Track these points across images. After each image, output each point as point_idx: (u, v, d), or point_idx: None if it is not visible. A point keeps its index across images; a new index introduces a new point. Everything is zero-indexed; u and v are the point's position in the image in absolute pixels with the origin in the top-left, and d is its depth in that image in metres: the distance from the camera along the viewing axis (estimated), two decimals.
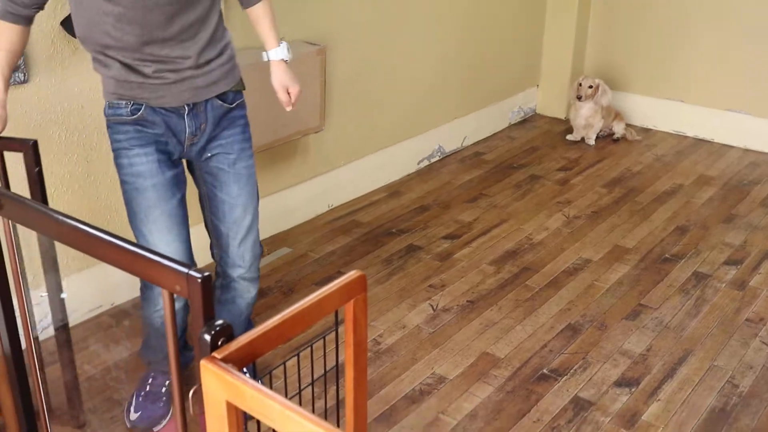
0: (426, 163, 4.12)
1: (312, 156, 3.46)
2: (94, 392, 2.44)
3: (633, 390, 2.52)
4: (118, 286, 2.83)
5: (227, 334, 1.35)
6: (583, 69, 4.78)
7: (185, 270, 1.33)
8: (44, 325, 2.66)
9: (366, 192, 3.80)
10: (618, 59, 4.68)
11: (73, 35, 2.40)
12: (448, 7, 3.92)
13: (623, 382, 2.55)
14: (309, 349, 1.57)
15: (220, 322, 1.35)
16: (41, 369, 2.10)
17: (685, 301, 2.99)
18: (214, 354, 1.32)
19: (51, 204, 2.52)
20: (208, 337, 1.32)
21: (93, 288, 2.75)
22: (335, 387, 1.64)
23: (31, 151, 1.95)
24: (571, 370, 2.61)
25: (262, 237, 3.33)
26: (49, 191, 2.54)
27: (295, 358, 1.57)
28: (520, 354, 2.69)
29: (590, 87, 4.35)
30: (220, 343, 1.34)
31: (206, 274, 1.33)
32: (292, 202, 3.43)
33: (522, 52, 4.60)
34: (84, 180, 2.63)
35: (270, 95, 2.99)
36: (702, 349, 2.71)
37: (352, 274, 1.58)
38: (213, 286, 2.20)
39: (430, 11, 3.82)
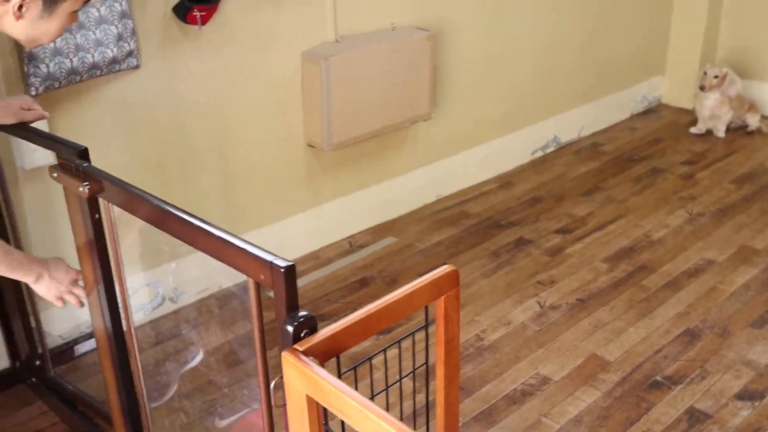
0: (540, 153, 3.98)
1: (420, 144, 3.39)
2: (195, 376, 2.48)
3: (756, 404, 2.32)
4: (224, 269, 2.85)
5: (311, 326, 1.31)
6: (715, 56, 4.47)
7: (269, 258, 1.30)
8: (154, 305, 2.72)
9: (476, 182, 3.70)
10: (754, 45, 4.35)
11: (184, 21, 2.43)
12: None
13: (745, 395, 2.36)
14: (397, 346, 1.50)
15: (303, 313, 1.31)
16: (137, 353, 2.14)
17: None
18: (296, 346, 1.28)
19: (152, 189, 2.58)
20: (290, 329, 1.29)
21: (199, 272, 2.79)
22: (425, 386, 1.57)
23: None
24: (688, 379, 2.43)
25: (368, 225, 3.31)
26: (155, 172, 2.59)
27: (382, 354, 1.51)
28: (631, 358, 2.53)
29: (716, 77, 4.06)
30: (302, 334, 1.30)
31: (290, 263, 1.29)
32: (399, 192, 3.37)
33: (646, 38, 4.35)
34: (189, 165, 2.67)
35: (375, 82, 2.95)
36: None
37: (444, 269, 1.51)
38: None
39: None
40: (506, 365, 2.52)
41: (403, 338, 1.51)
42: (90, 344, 2.57)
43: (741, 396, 2.36)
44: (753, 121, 4.20)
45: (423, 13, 3.18)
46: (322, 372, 1.23)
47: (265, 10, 2.68)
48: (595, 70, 4.10)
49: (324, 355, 1.31)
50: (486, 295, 2.87)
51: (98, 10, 2.21)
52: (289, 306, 1.30)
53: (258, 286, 1.37)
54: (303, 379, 1.24)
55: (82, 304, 1.90)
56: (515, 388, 2.42)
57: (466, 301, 2.84)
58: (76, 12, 1.61)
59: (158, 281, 2.70)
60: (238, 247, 1.33)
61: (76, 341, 2.57)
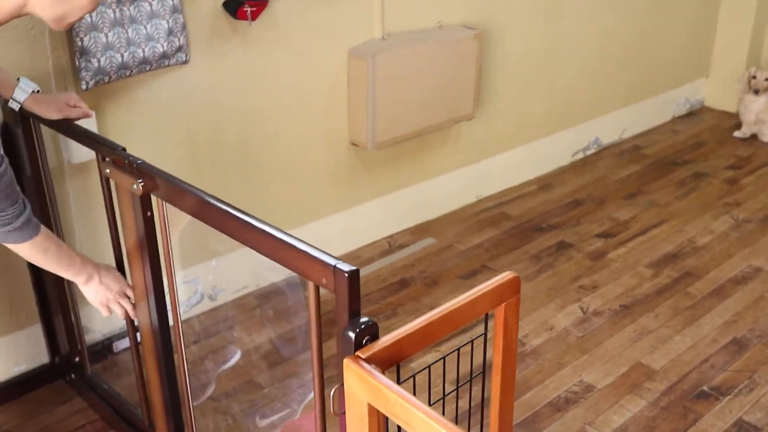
0: (581, 155, 3.92)
1: (462, 144, 3.36)
2: (234, 375, 2.47)
3: None
4: (262, 268, 2.85)
5: (372, 332, 1.29)
6: (761, 58, 4.39)
7: (333, 262, 1.28)
8: (193, 303, 2.72)
9: (516, 184, 3.66)
10: None
11: (234, 16, 2.41)
12: None
13: None
14: (456, 353, 1.47)
15: (365, 319, 1.29)
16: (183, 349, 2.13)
17: None
18: (358, 353, 1.26)
19: (197, 184, 2.57)
20: (352, 335, 1.26)
21: (239, 270, 2.78)
22: (481, 390, 1.54)
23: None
24: (736, 390, 2.38)
25: (407, 225, 3.28)
26: (204, 170, 2.58)
27: (441, 360, 1.48)
28: (677, 367, 2.49)
29: (766, 80, 3.98)
30: (364, 341, 1.28)
31: (354, 268, 1.27)
32: (438, 192, 3.34)
33: (691, 39, 4.28)
34: (237, 161, 2.66)
35: (420, 80, 2.92)
36: None
37: (505, 276, 1.48)
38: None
39: None
40: (549, 371, 2.48)
41: (462, 345, 1.48)
42: (127, 342, 2.57)
43: None
44: None
45: (470, 12, 3.14)
46: (386, 380, 1.21)
47: (314, 7, 2.66)
48: (639, 71, 4.03)
49: (385, 362, 1.28)
50: (528, 299, 2.84)
51: (150, 4, 2.21)
52: (351, 312, 1.28)
53: (318, 290, 1.35)
54: (365, 387, 1.22)
55: (128, 317, 1.88)
56: (559, 395, 2.38)
57: None
58: None
59: (197, 279, 2.69)
60: (300, 250, 1.31)
61: (115, 338, 2.57)
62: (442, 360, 1.47)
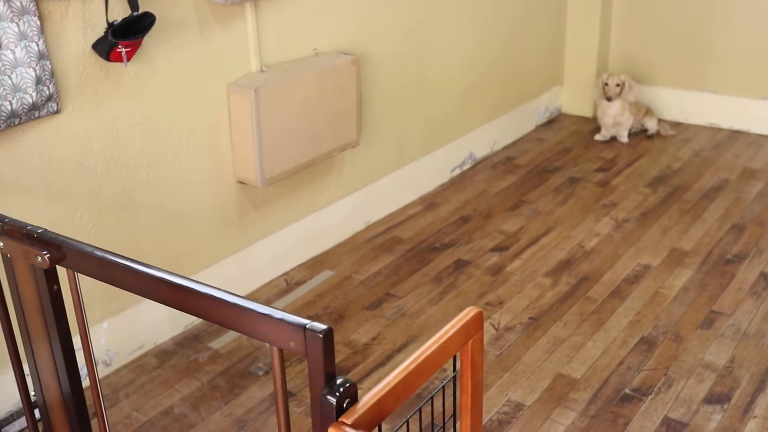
0: (458, 171, 3.95)
1: (347, 172, 3.28)
2: None
3: (725, 407, 2.35)
4: (159, 325, 2.64)
5: (352, 393, 1.18)
6: (608, 63, 4.62)
7: (303, 323, 1.15)
8: (86, 372, 2.46)
9: (401, 206, 3.62)
10: (644, 51, 4.52)
11: (106, 58, 2.22)
12: (472, 10, 3.75)
13: (713, 399, 2.38)
14: (429, 402, 1.38)
15: (341, 380, 1.17)
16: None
17: (759, 304, 2.83)
18: (343, 419, 1.14)
19: (91, 240, 2.34)
20: (333, 400, 1.15)
21: (133, 328, 2.56)
22: None
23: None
24: (655, 389, 2.44)
25: (302, 260, 3.16)
26: (86, 227, 2.35)
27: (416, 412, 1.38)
28: (597, 373, 2.51)
29: (617, 85, 4.18)
30: (345, 405, 1.17)
31: (327, 327, 1.15)
32: (329, 222, 3.24)
33: (545, 51, 4.44)
34: (121, 213, 2.44)
35: (304, 110, 2.82)
36: None
37: (469, 312, 1.41)
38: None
39: (454, 16, 3.65)
40: None
41: (434, 393, 1.39)
42: (21, 423, 2.29)
43: (709, 400, 2.38)
44: (651, 124, 4.35)
45: (344, 38, 3.08)
46: None
47: (189, 43, 2.50)
48: (502, 85, 4.12)
49: (370, 424, 1.17)
50: (438, 323, 2.79)
51: (12, 51, 1.98)
52: (327, 374, 1.16)
53: (282, 355, 1.22)
54: None
55: (22, 396, 1.66)
56: (491, 418, 2.34)
57: (418, 331, 2.75)
58: None
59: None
60: (264, 314, 1.18)
61: (4, 422, 2.28)
62: (417, 412, 1.37)
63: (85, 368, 1.65)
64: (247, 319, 1.20)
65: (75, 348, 1.62)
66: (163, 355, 2.62)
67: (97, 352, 2.48)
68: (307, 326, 1.16)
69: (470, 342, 1.39)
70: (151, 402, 2.40)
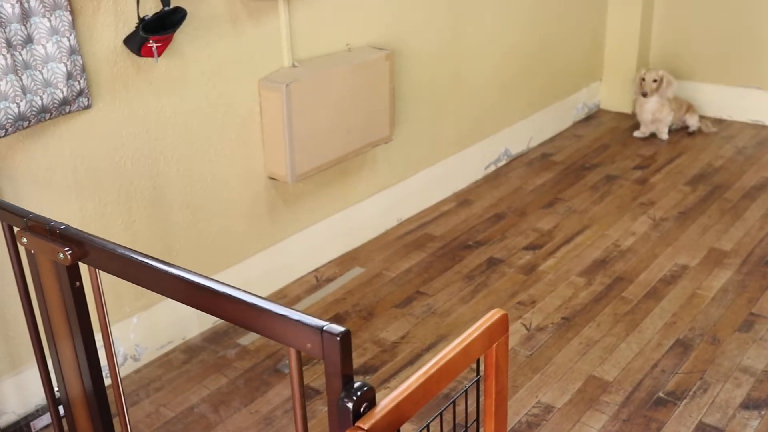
0: (493, 168, 3.90)
1: (380, 168, 3.25)
2: None
3: (763, 413, 2.28)
4: (188, 320, 2.64)
5: (369, 397, 1.15)
6: (649, 58, 4.52)
7: (320, 325, 1.13)
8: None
9: (434, 202, 3.58)
10: (686, 46, 4.41)
11: (137, 53, 2.22)
12: (510, 4, 3.70)
13: (750, 404, 2.31)
14: (452, 406, 1.35)
15: (359, 383, 1.15)
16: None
17: None
18: (359, 424, 1.12)
19: (117, 238, 2.35)
20: (350, 404, 1.12)
21: (162, 324, 2.57)
22: None
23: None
24: (690, 393, 2.37)
25: (332, 256, 3.15)
26: (116, 223, 2.36)
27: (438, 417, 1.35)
28: (630, 376, 2.46)
29: (654, 81, 4.09)
30: (362, 409, 1.14)
31: (344, 329, 1.13)
32: (360, 219, 3.22)
33: (584, 46, 4.36)
34: (151, 208, 2.45)
35: (336, 106, 2.80)
36: None
37: (493, 314, 1.37)
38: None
39: (492, 10, 3.60)
40: None
41: (456, 397, 1.36)
42: (47, 418, 2.31)
43: (746, 405, 2.31)
44: (693, 121, 4.25)
45: (377, 33, 3.05)
46: None
47: (220, 37, 2.49)
48: (539, 81, 4.06)
49: (387, 429, 1.15)
50: (468, 321, 2.75)
51: (44, 47, 1.99)
52: (344, 377, 1.13)
53: (300, 357, 1.20)
54: None
55: (46, 391, 1.67)
56: (520, 420, 2.30)
57: (447, 330, 2.72)
58: None
59: (116, 340, 2.46)
60: (281, 315, 1.16)
61: (31, 417, 2.30)
62: (439, 416, 1.34)
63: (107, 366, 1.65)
64: (264, 319, 1.18)
65: (98, 345, 1.62)
66: (191, 350, 2.63)
67: (126, 347, 2.49)
68: (324, 328, 1.14)
69: (495, 345, 1.36)
70: (179, 398, 2.41)
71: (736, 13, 4.20)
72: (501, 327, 1.36)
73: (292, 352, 1.19)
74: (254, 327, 1.20)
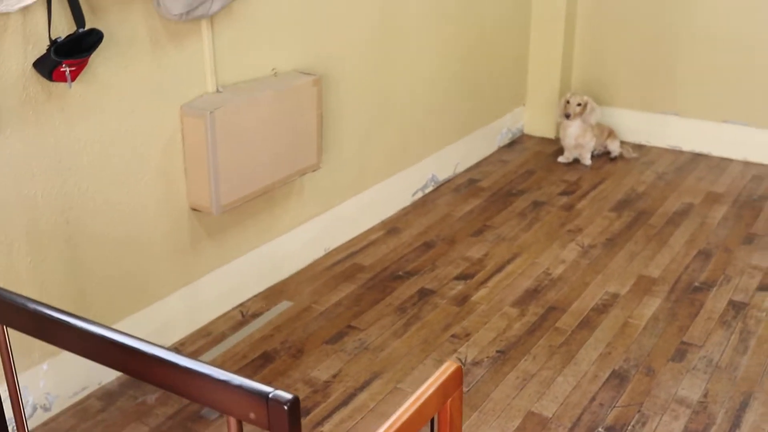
0: (420, 194, 3.84)
1: (307, 197, 3.14)
2: None
3: None
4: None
5: None
6: (571, 84, 4.57)
7: (267, 391, 1.02)
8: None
9: (362, 231, 3.49)
10: (606, 73, 4.48)
11: (48, 78, 2.06)
12: (434, 31, 3.66)
13: None
14: None
15: None
16: None
17: (729, 335, 2.76)
18: None
19: (25, 279, 2.16)
20: None
21: (75, 368, 2.38)
22: None
23: None
24: (629, 427, 2.34)
25: (258, 290, 3.01)
26: (24, 261, 2.17)
27: None
28: (568, 411, 2.41)
29: (579, 105, 4.13)
30: None
31: (293, 396, 1.02)
32: (287, 249, 3.10)
33: (508, 70, 4.36)
34: (63, 245, 2.26)
35: (263, 133, 2.68)
36: (762, 391, 2.48)
37: (447, 368, 1.28)
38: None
39: (417, 36, 3.55)
40: None
41: None
42: None
43: None
44: (614, 147, 4.30)
45: (303, 57, 2.95)
46: None
47: (139, 61, 2.35)
48: (465, 106, 4.04)
49: None
50: (403, 357, 2.66)
51: None
52: None
53: (240, 426, 1.08)
54: None
55: None
56: None
57: (381, 367, 2.62)
58: None
59: (25, 388, 2.26)
60: (221, 380, 1.03)
61: None
62: None
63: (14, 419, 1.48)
64: (200, 385, 1.06)
65: (3, 397, 1.46)
66: (108, 397, 2.44)
67: (36, 396, 2.30)
68: (270, 395, 1.02)
69: (449, 401, 1.27)
70: None
71: (654, 42, 4.29)
72: (455, 381, 1.27)
73: (233, 422, 1.07)
74: (188, 394, 1.07)
